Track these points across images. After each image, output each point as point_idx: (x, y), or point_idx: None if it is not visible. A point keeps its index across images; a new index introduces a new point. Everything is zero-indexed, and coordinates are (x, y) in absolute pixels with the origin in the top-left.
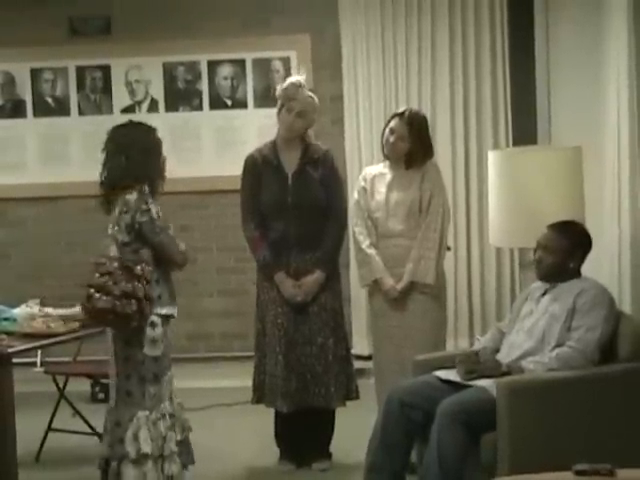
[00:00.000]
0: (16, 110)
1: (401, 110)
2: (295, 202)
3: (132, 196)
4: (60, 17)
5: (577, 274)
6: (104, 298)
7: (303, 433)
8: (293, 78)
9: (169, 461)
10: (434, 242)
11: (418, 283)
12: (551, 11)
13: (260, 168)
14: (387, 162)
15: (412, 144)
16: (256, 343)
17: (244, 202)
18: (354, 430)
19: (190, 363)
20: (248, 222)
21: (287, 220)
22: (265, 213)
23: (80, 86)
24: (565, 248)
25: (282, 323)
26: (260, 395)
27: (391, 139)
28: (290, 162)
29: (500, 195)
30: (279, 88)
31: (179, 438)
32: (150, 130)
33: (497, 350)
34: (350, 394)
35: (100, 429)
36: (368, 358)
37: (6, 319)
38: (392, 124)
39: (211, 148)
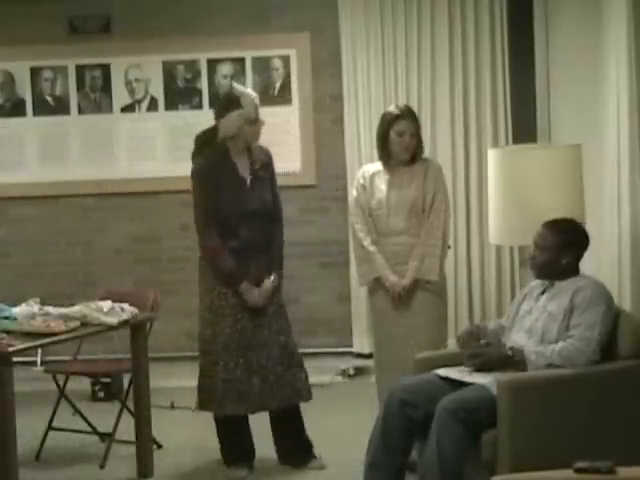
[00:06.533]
0: (16, 109)
1: (395, 111)
2: (256, 209)
3: None
4: (60, 16)
5: (575, 272)
6: None
7: (250, 436)
8: (251, 91)
9: None
10: (437, 239)
11: (421, 280)
12: (551, 9)
13: (218, 175)
14: (384, 160)
15: (418, 137)
16: (204, 348)
17: (203, 212)
18: (354, 429)
19: (189, 362)
20: (209, 231)
21: (249, 226)
22: (226, 221)
23: (80, 85)
24: (556, 245)
25: (241, 329)
26: (206, 402)
27: (406, 140)
28: (244, 167)
29: (500, 193)
30: (248, 100)
31: None
32: None
33: (498, 342)
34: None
35: (100, 428)
36: (368, 356)
37: (6, 318)
38: (400, 127)
39: None
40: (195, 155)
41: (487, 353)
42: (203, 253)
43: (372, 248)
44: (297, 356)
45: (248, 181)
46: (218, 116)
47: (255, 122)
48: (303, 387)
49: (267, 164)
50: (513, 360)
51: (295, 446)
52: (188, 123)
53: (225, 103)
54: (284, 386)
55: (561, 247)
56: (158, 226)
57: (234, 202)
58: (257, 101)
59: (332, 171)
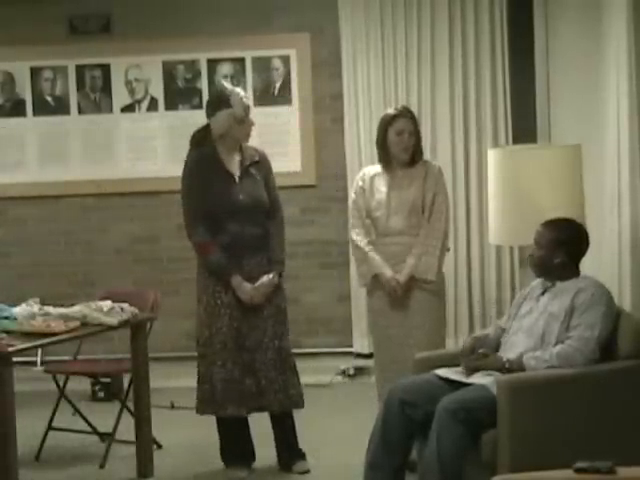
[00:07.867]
0: (16, 109)
1: (393, 111)
2: (246, 203)
3: None
4: (60, 16)
5: (576, 273)
6: None
7: (250, 437)
8: (240, 90)
9: None
10: (438, 240)
11: (419, 280)
12: (551, 10)
13: (206, 171)
14: (384, 163)
15: (417, 137)
16: (200, 352)
17: (191, 206)
18: (354, 429)
19: (189, 362)
20: (197, 226)
21: (240, 222)
22: (215, 216)
23: (80, 85)
24: (550, 243)
25: (237, 328)
26: (204, 407)
27: (405, 139)
28: (233, 165)
29: (500, 193)
30: (237, 100)
31: None
32: None
33: (498, 345)
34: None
35: (100, 428)
36: (368, 356)
37: (6, 318)
38: (399, 125)
39: None
40: (187, 154)
41: (484, 366)
42: (195, 250)
43: (368, 248)
44: (291, 360)
45: (237, 176)
46: (209, 115)
47: (244, 121)
48: (296, 393)
49: (259, 163)
50: (510, 371)
51: (285, 448)
52: (188, 123)
53: (215, 102)
54: (277, 391)
55: (554, 246)
56: (158, 226)
57: (223, 197)
58: (246, 100)
59: (332, 171)
